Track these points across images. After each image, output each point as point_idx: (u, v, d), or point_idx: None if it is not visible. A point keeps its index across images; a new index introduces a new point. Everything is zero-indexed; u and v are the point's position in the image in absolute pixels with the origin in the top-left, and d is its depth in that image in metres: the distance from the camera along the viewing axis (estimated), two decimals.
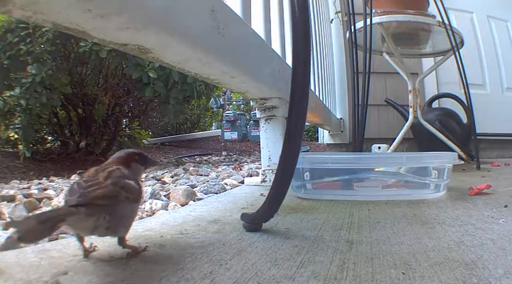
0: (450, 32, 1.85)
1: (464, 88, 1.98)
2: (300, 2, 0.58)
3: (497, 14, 3.05)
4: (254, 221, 0.66)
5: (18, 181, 2.03)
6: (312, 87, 2.04)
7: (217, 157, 3.66)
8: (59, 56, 2.57)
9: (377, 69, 2.49)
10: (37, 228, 0.37)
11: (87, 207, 0.43)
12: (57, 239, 0.72)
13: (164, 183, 1.60)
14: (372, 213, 0.81)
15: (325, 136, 3.38)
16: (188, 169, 2.19)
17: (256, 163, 2.63)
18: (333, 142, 3.21)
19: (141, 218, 0.94)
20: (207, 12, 0.74)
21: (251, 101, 1.37)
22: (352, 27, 1.84)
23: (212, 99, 4.05)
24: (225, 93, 6.96)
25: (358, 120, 1.82)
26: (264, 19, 1.23)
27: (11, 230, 0.76)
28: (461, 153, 2.03)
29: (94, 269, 0.46)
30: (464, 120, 2.40)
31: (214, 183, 1.40)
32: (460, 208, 0.83)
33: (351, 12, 1.85)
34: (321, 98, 2.29)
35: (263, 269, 0.47)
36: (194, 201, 1.15)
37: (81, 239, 0.50)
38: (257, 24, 1.18)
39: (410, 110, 2.09)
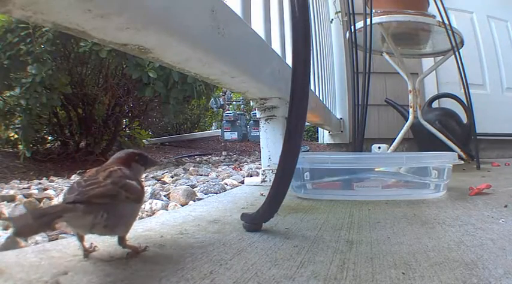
0: (450, 32, 1.85)
1: (464, 88, 1.98)
2: (300, 2, 0.58)
3: (497, 14, 3.05)
4: (254, 221, 0.66)
5: (18, 181, 2.03)
6: (312, 87, 2.04)
7: (217, 157, 3.66)
8: (59, 56, 2.57)
9: (377, 69, 2.49)
10: (33, 224, 0.38)
11: (84, 204, 0.43)
12: (57, 239, 0.72)
13: (164, 183, 1.60)
14: (372, 212, 0.81)
15: (325, 136, 3.38)
16: (188, 169, 2.19)
17: (256, 163, 2.63)
18: (333, 142, 3.21)
19: (141, 218, 0.94)
20: (207, 12, 0.74)
21: (251, 101, 1.37)
22: (352, 27, 1.84)
23: (212, 99, 4.06)
24: (225, 93, 6.96)
25: (358, 120, 1.82)
26: (264, 19, 1.23)
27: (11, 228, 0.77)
28: (461, 153, 2.03)
29: (94, 269, 0.46)
30: (464, 120, 2.40)
31: (214, 183, 1.40)
32: (460, 208, 0.83)
33: (351, 12, 1.85)
34: (321, 98, 2.29)
35: (263, 269, 0.47)
36: (194, 201, 1.15)
37: (81, 239, 0.50)
38: (257, 24, 1.18)
39: (410, 110, 2.09)
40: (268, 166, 1.26)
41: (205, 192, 1.29)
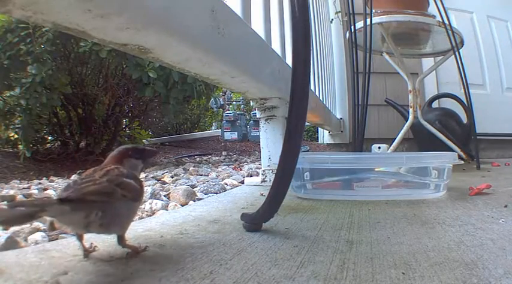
0: (450, 32, 1.85)
1: (464, 88, 1.98)
2: (300, 2, 0.58)
3: (497, 14, 3.05)
4: (254, 221, 0.66)
5: (18, 181, 2.03)
6: (312, 87, 2.04)
7: (217, 157, 3.66)
8: (59, 56, 2.57)
9: (377, 69, 2.49)
10: (16, 214, 0.38)
11: (76, 201, 0.43)
12: (57, 239, 0.72)
13: (164, 183, 1.60)
14: (372, 212, 0.81)
15: (325, 136, 3.38)
16: (188, 169, 2.19)
17: (256, 163, 2.63)
18: (333, 142, 3.21)
19: (141, 218, 0.94)
20: (207, 12, 0.74)
21: (251, 101, 1.37)
22: (352, 27, 1.84)
23: (212, 99, 4.06)
24: (225, 93, 6.95)
25: (358, 120, 1.82)
26: (264, 19, 1.23)
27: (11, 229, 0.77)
28: (461, 153, 2.03)
29: (94, 269, 0.46)
30: (464, 120, 2.40)
31: (214, 183, 1.40)
32: (460, 208, 0.83)
33: (351, 12, 1.85)
34: (321, 98, 2.29)
35: (263, 269, 0.47)
36: (194, 201, 1.15)
37: (80, 239, 0.50)
38: (257, 24, 1.18)
39: (410, 110, 2.09)
40: (268, 166, 1.26)
41: (205, 192, 1.29)
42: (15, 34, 2.31)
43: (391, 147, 1.97)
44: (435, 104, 2.58)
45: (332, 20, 3.03)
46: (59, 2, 0.45)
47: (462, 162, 1.11)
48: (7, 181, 2.09)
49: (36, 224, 0.80)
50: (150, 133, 4.39)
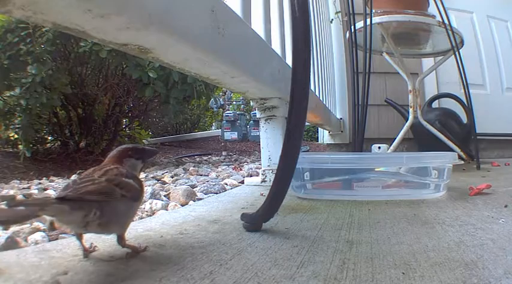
0: (450, 32, 1.85)
1: (464, 88, 1.98)
2: (300, 2, 0.58)
3: (497, 14, 3.05)
4: (254, 221, 0.66)
5: (18, 181, 2.03)
6: (312, 87, 2.03)
7: (217, 157, 3.66)
8: (59, 56, 2.57)
9: (377, 69, 2.48)
10: (16, 213, 0.38)
11: (74, 201, 0.43)
12: (57, 239, 0.72)
13: (164, 183, 1.60)
14: (372, 212, 0.81)
15: (325, 136, 3.38)
16: (188, 169, 2.19)
17: (256, 163, 2.63)
18: (333, 142, 3.21)
19: (141, 218, 0.94)
20: (207, 12, 0.74)
21: (251, 101, 1.37)
22: (352, 27, 1.83)
23: (212, 99, 4.05)
24: (225, 93, 6.96)
25: (358, 120, 1.82)
26: (264, 19, 1.23)
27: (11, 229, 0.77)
28: (461, 153, 2.03)
29: (94, 269, 0.46)
30: (464, 120, 2.40)
31: (214, 183, 1.40)
32: (460, 208, 0.83)
33: (351, 12, 1.85)
34: (321, 98, 2.29)
35: (263, 269, 0.47)
36: (194, 201, 1.15)
37: (80, 239, 0.50)
38: (257, 24, 1.17)
39: (410, 110, 2.09)
40: (268, 166, 1.26)
41: (205, 192, 1.29)
42: (15, 34, 2.31)
43: (391, 147, 1.97)
44: (435, 104, 2.58)
45: (332, 20, 3.03)
46: (59, 2, 0.45)
47: (462, 162, 1.11)
48: (7, 181, 2.09)
49: (36, 224, 0.80)
50: (150, 133, 4.39)
